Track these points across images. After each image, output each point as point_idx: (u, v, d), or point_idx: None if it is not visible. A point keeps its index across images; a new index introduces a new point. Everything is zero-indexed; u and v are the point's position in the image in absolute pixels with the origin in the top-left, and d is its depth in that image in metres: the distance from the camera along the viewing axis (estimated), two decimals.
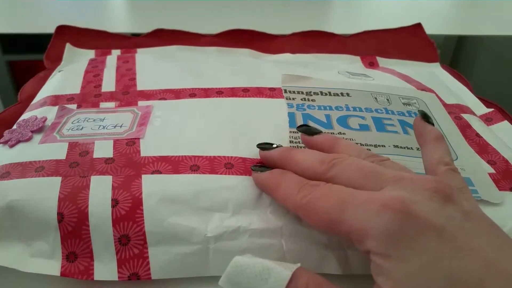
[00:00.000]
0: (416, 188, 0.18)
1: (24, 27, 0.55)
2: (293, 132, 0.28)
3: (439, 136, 0.22)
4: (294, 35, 0.49)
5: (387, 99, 0.32)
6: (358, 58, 0.44)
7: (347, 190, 0.19)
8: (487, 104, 0.36)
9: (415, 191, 0.18)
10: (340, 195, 0.19)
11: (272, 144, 0.24)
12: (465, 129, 0.31)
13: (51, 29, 0.46)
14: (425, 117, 0.23)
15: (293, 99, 0.31)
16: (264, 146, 0.25)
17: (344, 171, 0.20)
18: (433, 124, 0.23)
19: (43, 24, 0.54)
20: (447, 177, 0.20)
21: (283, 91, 0.32)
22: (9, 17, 0.60)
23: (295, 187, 0.20)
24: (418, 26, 0.50)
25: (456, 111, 0.33)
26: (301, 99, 0.31)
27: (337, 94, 0.32)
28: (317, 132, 0.25)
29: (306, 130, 0.25)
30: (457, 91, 0.38)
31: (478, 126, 0.31)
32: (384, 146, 0.27)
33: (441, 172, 0.20)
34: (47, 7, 0.63)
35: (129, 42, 0.47)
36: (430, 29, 0.49)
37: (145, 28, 0.49)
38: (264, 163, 0.25)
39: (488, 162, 0.28)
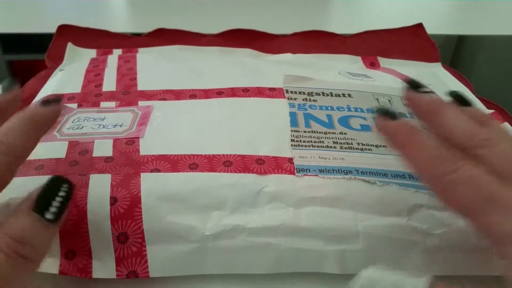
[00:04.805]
0: None
1: (24, 27, 0.55)
2: (294, 131, 0.28)
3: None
4: (295, 35, 0.49)
5: (389, 100, 0.32)
6: (359, 58, 0.43)
7: (498, 185, 0.17)
8: (487, 104, 0.36)
9: None
10: (490, 188, 0.17)
11: (425, 86, 0.22)
12: None
13: (51, 29, 0.46)
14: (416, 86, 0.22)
15: (295, 99, 0.31)
16: (417, 84, 0.22)
17: (494, 157, 0.18)
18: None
19: (44, 23, 0.54)
20: None
21: (285, 91, 0.32)
22: (9, 17, 0.60)
23: (433, 156, 0.19)
24: (419, 26, 0.49)
25: None
26: (303, 99, 0.31)
27: (339, 95, 0.32)
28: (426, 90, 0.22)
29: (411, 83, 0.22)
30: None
31: None
32: (386, 147, 0.27)
33: None
34: (47, 7, 0.63)
35: (130, 42, 0.47)
36: (430, 29, 0.49)
37: (146, 27, 0.49)
38: (408, 103, 0.22)
39: None
